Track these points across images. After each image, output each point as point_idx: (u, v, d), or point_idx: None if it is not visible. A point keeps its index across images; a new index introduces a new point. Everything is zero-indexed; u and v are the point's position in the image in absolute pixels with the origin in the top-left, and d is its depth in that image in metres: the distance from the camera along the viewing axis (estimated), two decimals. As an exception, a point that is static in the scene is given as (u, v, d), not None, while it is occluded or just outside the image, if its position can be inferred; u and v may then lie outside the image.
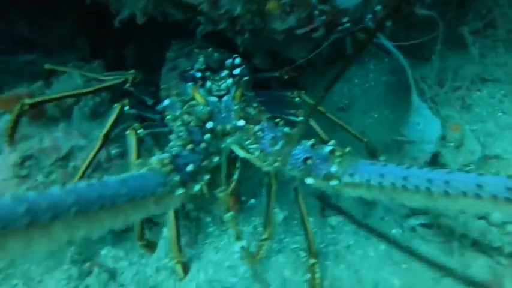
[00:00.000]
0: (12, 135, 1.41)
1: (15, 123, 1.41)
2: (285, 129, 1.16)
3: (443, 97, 1.77)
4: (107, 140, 1.42)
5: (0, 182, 1.39)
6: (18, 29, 2.23)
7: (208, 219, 1.74)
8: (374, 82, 2.28)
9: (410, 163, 1.59)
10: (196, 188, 0.97)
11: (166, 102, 1.53)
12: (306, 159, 1.03)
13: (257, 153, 1.17)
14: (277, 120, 1.21)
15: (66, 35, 2.46)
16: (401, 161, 1.66)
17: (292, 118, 1.59)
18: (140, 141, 1.36)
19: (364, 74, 2.33)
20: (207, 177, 1.04)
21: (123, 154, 1.61)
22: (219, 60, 1.44)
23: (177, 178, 0.88)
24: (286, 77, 1.96)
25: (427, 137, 1.54)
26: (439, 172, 0.85)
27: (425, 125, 1.55)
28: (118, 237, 1.60)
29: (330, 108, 1.95)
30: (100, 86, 1.56)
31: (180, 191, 0.89)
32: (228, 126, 1.24)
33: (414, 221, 1.59)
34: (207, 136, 1.15)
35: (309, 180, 1.03)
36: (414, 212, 1.60)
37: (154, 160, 0.89)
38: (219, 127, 1.23)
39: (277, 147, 1.11)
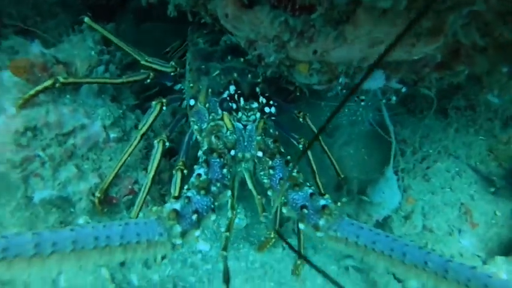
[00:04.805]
0: (27, 102, 1.42)
1: (38, 93, 1.42)
2: (293, 171, 1.29)
3: (411, 166, 2.03)
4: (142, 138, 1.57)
5: (-1, 145, 1.42)
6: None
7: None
8: (361, 118, 2.46)
9: (365, 219, 1.89)
10: (196, 234, 1.10)
11: (192, 102, 1.62)
12: (302, 207, 1.17)
13: (266, 186, 1.34)
14: (289, 157, 1.36)
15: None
16: (358, 213, 1.95)
17: (295, 143, 1.81)
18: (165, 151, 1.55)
19: (355, 107, 2.49)
20: (213, 217, 1.16)
21: (121, 139, 1.69)
22: (252, 83, 1.58)
23: (178, 229, 1.01)
24: (298, 93, 2.09)
25: (386, 204, 1.80)
26: (400, 242, 1.01)
27: (388, 195, 1.80)
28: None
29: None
30: (132, 78, 1.65)
31: (178, 241, 1.02)
32: (248, 155, 1.39)
33: (350, 262, 1.92)
34: (225, 171, 1.28)
35: (301, 226, 1.17)
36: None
37: (165, 210, 1.02)
38: (239, 154, 1.38)
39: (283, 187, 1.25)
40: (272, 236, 1.82)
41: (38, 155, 1.45)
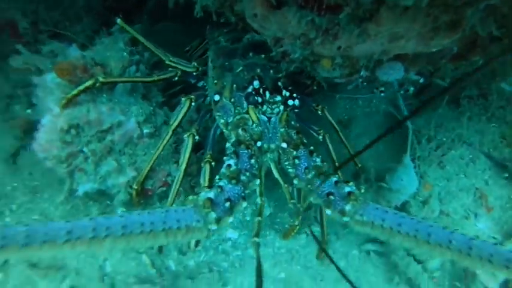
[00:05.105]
0: (70, 101, 1.52)
1: (80, 92, 1.52)
2: (317, 161, 1.38)
3: (426, 154, 2.11)
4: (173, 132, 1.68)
5: (46, 142, 1.53)
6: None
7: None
8: (375, 108, 2.55)
9: (384, 205, 1.98)
10: (230, 220, 1.17)
11: (216, 97, 1.71)
12: (328, 194, 1.23)
13: (292, 175, 1.41)
14: (312, 148, 1.42)
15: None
16: (377, 200, 2.04)
17: (315, 135, 1.90)
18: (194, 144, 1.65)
19: (370, 98, 2.58)
20: (244, 204, 1.24)
21: (153, 134, 1.79)
22: (275, 78, 1.68)
23: (213, 216, 1.08)
24: (315, 87, 2.15)
25: (405, 190, 1.89)
26: (424, 224, 1.06)
27: (406, 181, 1.89)
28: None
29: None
30: (162, 76, 1.77)
31: (213, 227, 1.10)
32: (273, 146, 1.47)
33: (370, 246, 2.01)
34: (253, 161, 1.35)
35: (328, 212, 1.23)
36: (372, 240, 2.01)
37: (200, 199, 1.11)
38: (265, 145, 1.46)
39: (309, 176, 1.33)
40: (296, 223, 1.92)
41: (81, 151, 1.56)
